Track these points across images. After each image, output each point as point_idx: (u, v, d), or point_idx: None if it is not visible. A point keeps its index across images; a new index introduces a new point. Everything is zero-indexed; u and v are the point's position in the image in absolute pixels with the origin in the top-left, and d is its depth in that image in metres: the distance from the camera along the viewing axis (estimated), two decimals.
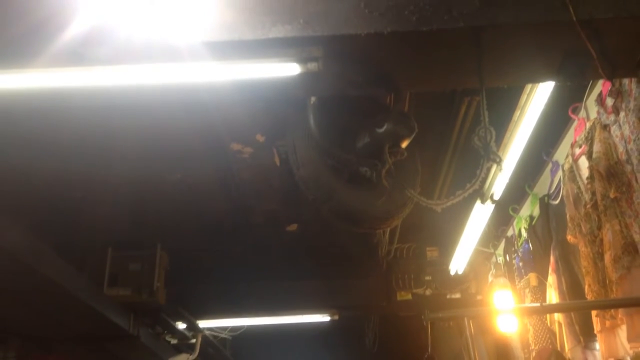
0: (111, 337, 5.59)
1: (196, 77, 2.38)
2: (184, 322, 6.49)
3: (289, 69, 2.33)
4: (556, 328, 4.00)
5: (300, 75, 2.35)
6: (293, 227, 5.44)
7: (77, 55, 2.20)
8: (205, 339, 7.03)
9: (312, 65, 2.30)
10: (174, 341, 6.75)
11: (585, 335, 3.60)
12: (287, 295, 6.53)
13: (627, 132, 2.97)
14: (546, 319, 4.22)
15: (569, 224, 3.59)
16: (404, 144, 3.24)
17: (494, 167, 3.22)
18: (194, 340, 6.84)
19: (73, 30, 2.18)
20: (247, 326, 7.07)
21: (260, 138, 3.98)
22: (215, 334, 7.21)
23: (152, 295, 5.52)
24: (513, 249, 5.07)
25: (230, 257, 6.17)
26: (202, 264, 6.29)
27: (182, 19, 2.27)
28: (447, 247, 5.89)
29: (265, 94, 2.68)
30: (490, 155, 2.73)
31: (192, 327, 6.66)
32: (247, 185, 4.58)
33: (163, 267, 5.70)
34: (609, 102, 3.12)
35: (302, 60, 2.29)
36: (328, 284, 6.59)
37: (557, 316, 3.95)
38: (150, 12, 2.24)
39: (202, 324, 6.73)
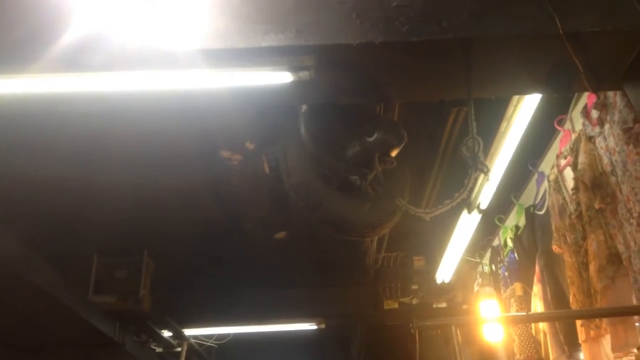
0: (96, 345, 5.55)
1: (190, 84, 2.40)
2: (169, 330, 6.45)
3: (281, 77, 2.36)
4: (541, 337, 4.03)
5: (293, 83, 2.38)
6: (281, 234, 5.42)
7: (73, 62, 2.21)
8: (190, 347, 6.99)
9: (304, 74, 2.33)
10: (159, 349, 6.73)
11: (569, 344, 3.64)
12: (274, 303, 6.52)
13: (611, 144, 3.01)
14: (531, 329, 4.25)
15: (554, 234, 3.63)
16: (394, 153, 3.28)
17: (482, 177, 3.24)
18: (179, 349, 6.79)
19: (69, 37, 2.18)
20: (233, 334, 7.03)
21: (249, 146, 4.00)
22: (201, 342, 7.16)
23: (137, 302, 5.49)
24: (499, 258, 5.10)
25: (218, 265, 6.13)
26: (189, 272, 6.25)
27: (176, 27, 2.28)
28: (434, 256, 5.90)
29: (257, 102, 2.70)
30: (478, 165, 2.75)
31: (178, 336, 6.63)
32: (236, 192, 4.56)
33: (149, 274, 5.68)
34: (594, 114, 3.17)
35: (294, 69, 2.31)
36: (315, 292, 6.59)
37: (542, 326, 3.99)
38: (144, 19, 2.25)
39: (188, 332, 6.69)
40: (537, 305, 4.03)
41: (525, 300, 4.40)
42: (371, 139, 3.23)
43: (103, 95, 2.42)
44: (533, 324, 4.18)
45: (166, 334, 6.51)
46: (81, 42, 2.20)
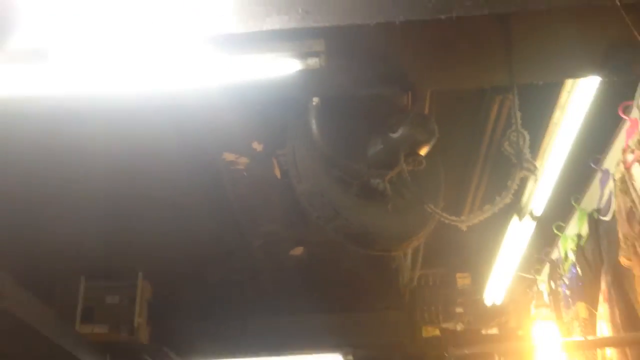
0: None
1: (177, 78, 2.42)
2: None
3: (287, 66, 2.37)
4: None
5: (300, 72, 2.39)
6: (298, 250, 5.45)
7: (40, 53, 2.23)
8: None
9: (313, 61, 2.33)
10: None
11: None
12: (291, 331, 6.55)
13: None
14: (596, 357, 4.19)
15: (622, 244, 3.58)
16: (423, 151, 3.28)
17: (532, 177, 3.25)
18: None
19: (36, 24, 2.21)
20: None
21: (257, 146, 4.03)
22: None
23: (132, 333, 5.56)
24: (559, 274, 5.02)
25: (224, 288, 6.18)
26: (191, 297, 6.29)
27: (160, 12, 2.30)
28: (481, 273, 5.86)
29: (259, 97, 2.79)
30: (523, 164, 2.78)
31: None
32: (242, 202, 4.61)
33: (146, 300, 5.72)
34: None
35: (301, 56, 2.31)
36: (339, 318, 6.61)
37: (611, 353, 3.94)
38: (121, 5, 2.27)
39: None
40: (604, 328, 3.98)
41: (591, 323, 4.32)
42: (396, 135, 3.24)
43: (79, 94, 2.45)
44: (599, 351, 4.12)
45: None
46: (52, 30, 2.21)
